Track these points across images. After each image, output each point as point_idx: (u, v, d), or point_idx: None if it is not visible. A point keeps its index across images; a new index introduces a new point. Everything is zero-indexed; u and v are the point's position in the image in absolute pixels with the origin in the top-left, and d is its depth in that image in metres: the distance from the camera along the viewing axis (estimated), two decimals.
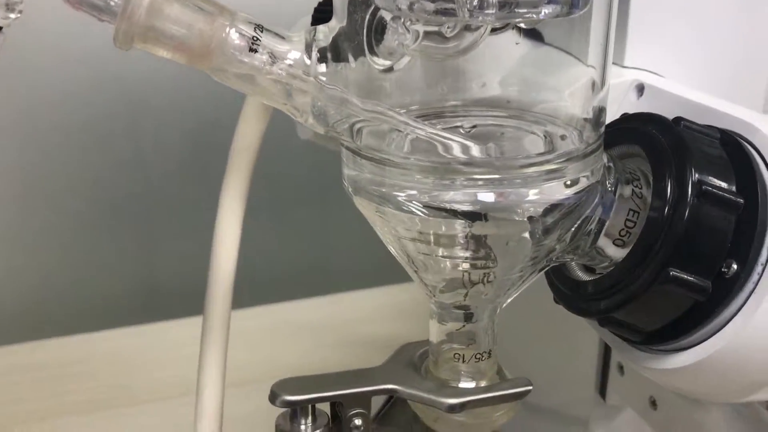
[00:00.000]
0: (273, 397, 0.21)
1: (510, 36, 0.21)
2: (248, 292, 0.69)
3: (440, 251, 0.21)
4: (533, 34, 0.22)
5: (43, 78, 0.61)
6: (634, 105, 0.27)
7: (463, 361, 0.22)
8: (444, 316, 0.22)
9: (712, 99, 0.24)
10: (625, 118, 0.23)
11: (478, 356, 0.22)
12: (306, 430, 0.21)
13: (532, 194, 0.19)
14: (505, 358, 0.44)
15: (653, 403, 0.29)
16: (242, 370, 0.56)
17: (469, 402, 0.21)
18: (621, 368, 0.31)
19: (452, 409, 0.21)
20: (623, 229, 0.21)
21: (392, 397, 0.24)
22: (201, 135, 0.64)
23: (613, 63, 0.28)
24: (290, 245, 0.70)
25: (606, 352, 0.32)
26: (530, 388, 0.22)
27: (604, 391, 0.32)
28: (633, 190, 0.21)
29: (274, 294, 0.65)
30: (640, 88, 0.26)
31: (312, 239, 0.70)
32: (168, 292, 0.68)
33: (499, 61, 0.22)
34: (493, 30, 0.20)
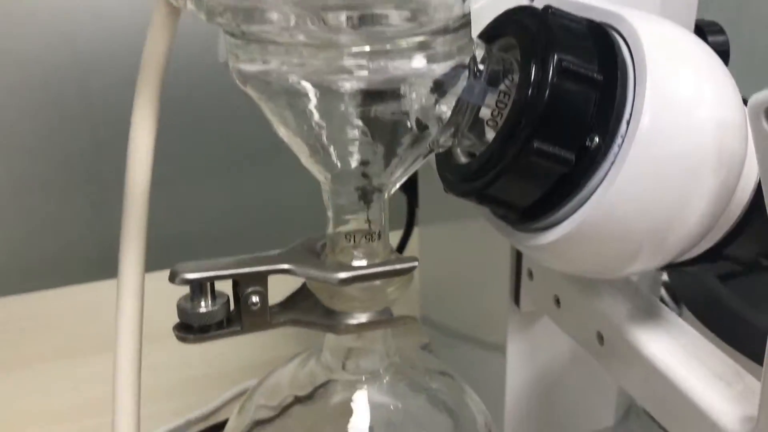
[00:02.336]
0: (173, 276, 0.22)
1: None
2: (203, 248, 0.70)
3: (330, 132, 0.22)
4: None
5: None
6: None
7: (355, 242, 0.23)
8: (338, 204, 0.24)
9: None
10: (507, 12, 0.24)
11: (368, 237, 0.23)
12: (206, 307, 0.22)
13: (409, 66, 0.21)
14: (424, 280, 0.45)
15: (557, 302, 0.31)
16: None
17: (357, 276, 0.23)
18: (530, 273, 0.33)
19: (343, 282, 0.22)
20: (495, 110, 0.22)
21: (305, 285, 0.25)
22: None
23: None
24: (242, 202, 0.72)
25: (517, 261, 0.33)
26: (416, 264, 0.23)
27: (518, 299, 0.34)
28: (507, 76, 0.22)
29: (227, 250, 0.66)
30: None
31: (263, 195, 0.72)
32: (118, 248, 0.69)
33: None
34: None
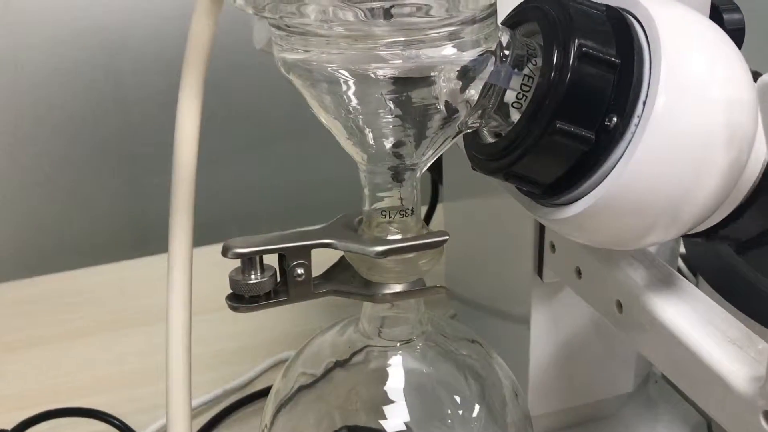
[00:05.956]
0: (225, 251, 0.24)
1: None
2: (232, 225, 0.72)
3: (366, 116, 0.24)
4: None
5: (29, 24, 0.64)
6: None
7: (390, 218, 0.25)
8: (374, 182, 0.25)
9: None
10: None
11: (402, 212, 0.25)
12: (256, 278, 0.24)
13: (439, 55, 0.22)
14: (449, 254, 0.47)
15: (578, 273, 0.32)
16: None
17: (393, 249, 0.24)
18: (553, 246, 0.34)
19: (379, 255, 0.24)
20: (519, 92, 0.24)
21: (343, 258, 0.27)
22: (177, 73, 0.67)
23: None
24: (271, 180, 0.74)
25: (540, 234, 0.35)
26: (446, 237, 0.25)
27: (541, 271, 0.36)
28: (530, 60, 0.24)
29: (254, 228, 0.68)
30: None
31: (291, 174, 0.74)
32: (153, 226, 0.72)
33: None
34: None
